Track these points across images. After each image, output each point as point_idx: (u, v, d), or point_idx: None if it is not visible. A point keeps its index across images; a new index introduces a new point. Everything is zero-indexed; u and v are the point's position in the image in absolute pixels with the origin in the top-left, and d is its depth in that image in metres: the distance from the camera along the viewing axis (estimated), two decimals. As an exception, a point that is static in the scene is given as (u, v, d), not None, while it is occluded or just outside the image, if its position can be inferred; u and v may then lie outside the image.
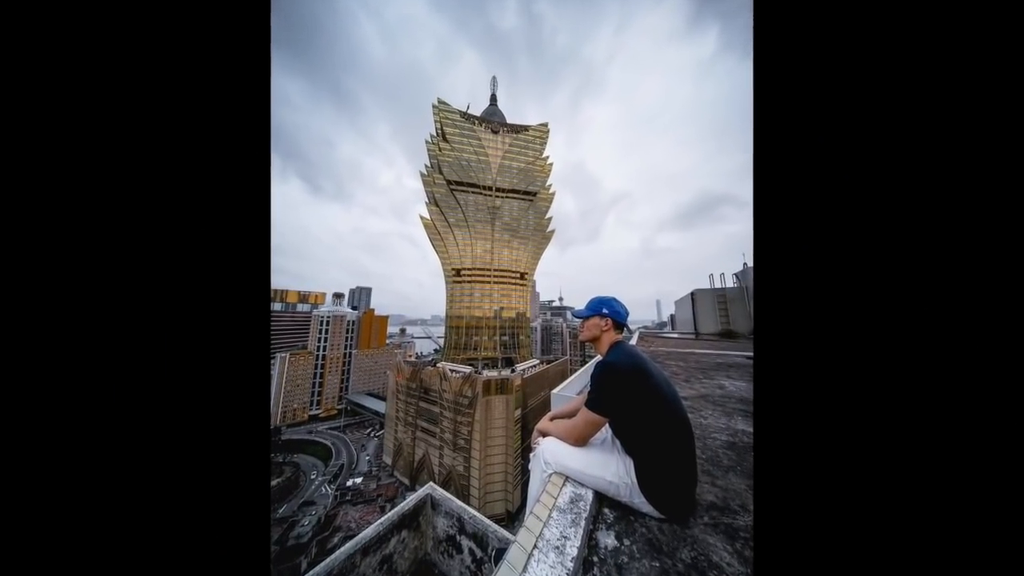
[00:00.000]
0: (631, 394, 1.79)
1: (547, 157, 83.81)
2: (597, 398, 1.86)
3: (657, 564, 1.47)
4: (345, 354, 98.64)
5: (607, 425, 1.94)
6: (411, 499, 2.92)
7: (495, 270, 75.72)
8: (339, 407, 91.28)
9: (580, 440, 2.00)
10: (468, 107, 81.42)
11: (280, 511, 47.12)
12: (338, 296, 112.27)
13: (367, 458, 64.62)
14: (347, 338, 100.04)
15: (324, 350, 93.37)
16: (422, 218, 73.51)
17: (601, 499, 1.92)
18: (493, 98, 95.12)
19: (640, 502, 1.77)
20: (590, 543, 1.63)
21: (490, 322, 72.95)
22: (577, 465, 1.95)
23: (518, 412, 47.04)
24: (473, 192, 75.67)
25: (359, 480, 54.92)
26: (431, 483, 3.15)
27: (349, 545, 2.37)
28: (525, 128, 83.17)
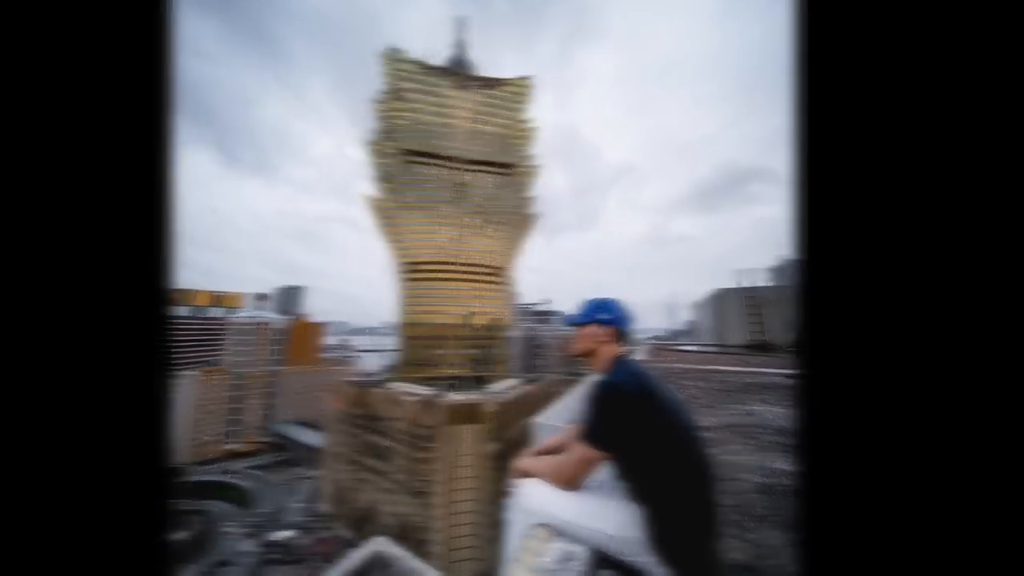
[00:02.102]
0: (637, 424, 1.78)
1: (530, 120, 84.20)
2: (594, 429, 1.85)
3: (670, 641, 1.46)
4: (270, 372, 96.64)
5: (607, 464, 1.93)
6: (355, 558, 2.84)
7: (463, 264, 75.57)
8: (262, 440, 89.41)
9: (572, 482, 1.98)
10: (428, 57, 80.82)
11: (186, 575, 45.95)
12: (262, 297, 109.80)
13: (298, 505, 63.61)
14: (273, 351, 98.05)
15: (243, 367, 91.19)
16: (369, 198, 72.58)
17: (599, 558, 1.91)
18: (460, 45, 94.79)
19: (648, 562, 1.77)
20: (585, 616, 1.60)
21: (456, 331, 72.78)
22: (568, 515, 1.93)
23: (492, 446, 47.12)
24: (435, 164, 75.24)
25: (288, 533, 53.97)
26: (380, 537, 3.07)
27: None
28: (501, 82, 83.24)
